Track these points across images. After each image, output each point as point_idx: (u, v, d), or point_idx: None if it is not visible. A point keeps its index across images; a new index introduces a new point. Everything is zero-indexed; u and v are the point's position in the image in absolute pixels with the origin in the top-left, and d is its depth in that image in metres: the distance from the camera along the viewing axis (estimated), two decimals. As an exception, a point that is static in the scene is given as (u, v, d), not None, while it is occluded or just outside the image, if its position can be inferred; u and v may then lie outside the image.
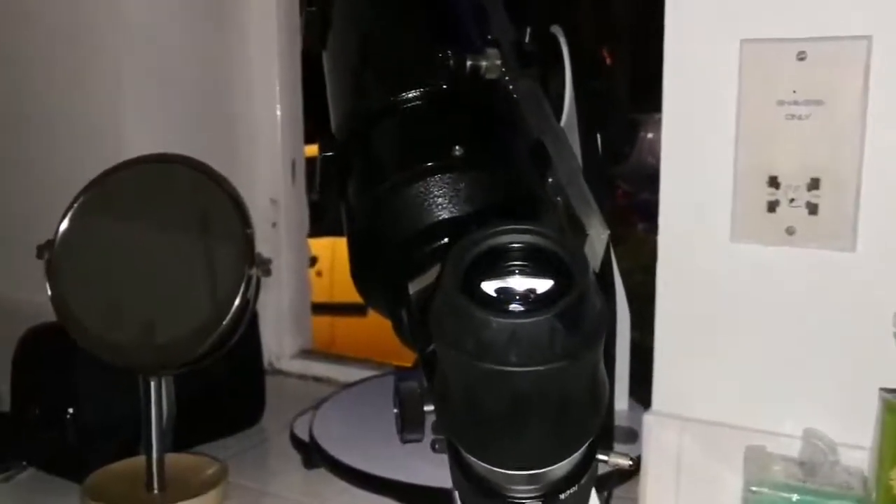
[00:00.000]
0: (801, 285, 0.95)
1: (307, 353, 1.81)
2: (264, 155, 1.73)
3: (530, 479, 0.64)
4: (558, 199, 1.05)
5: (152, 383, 1.18)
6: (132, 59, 1.52)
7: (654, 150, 1.35)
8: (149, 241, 1.20)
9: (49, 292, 1.17)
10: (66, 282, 1.18)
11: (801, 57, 0.92)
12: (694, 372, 1.02)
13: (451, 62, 1.02)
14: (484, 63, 1.03)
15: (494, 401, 0.58)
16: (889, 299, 0.90)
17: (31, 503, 1.25)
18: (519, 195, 1.00)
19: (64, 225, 1.19)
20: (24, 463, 1.31)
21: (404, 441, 0.95)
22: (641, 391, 1.24)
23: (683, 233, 1.01)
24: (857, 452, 0.92)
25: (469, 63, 1.02)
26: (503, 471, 0.62)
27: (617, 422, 1.24)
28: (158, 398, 1.18)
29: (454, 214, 0.95)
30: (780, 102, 0.93)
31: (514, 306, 0.57)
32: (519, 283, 0.59)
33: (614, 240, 1.12)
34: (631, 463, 0.76)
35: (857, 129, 0.90)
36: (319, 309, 2.61)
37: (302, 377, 1.75)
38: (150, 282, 1.19)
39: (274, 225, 1.75)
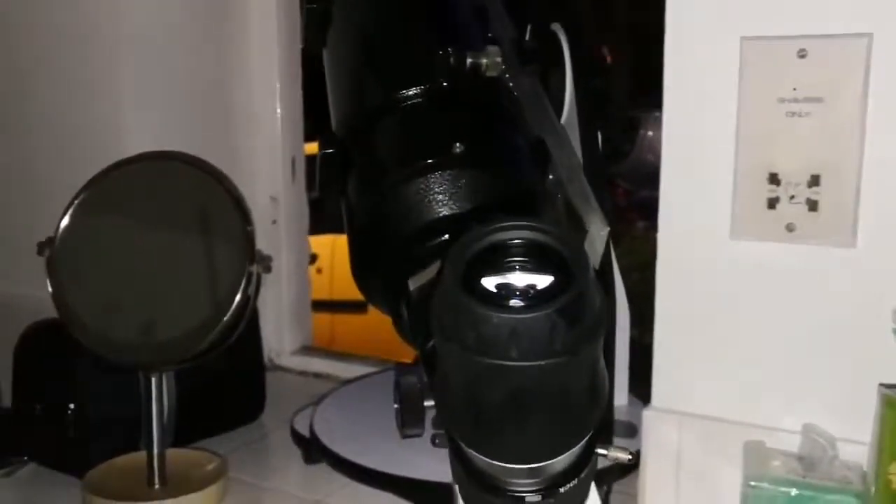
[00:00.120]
0: (801, 281, 0.95)
1: (307, 350, 1.82)
2: (264, 152, 1.73)
3: (530, 473, 0.64)
4: (558, 196, 1.06)
5: (153, 379, 1.18)
6: (133, 57, 1.53)
7: (654, 147, 1.35)
8: (149, 237, 1.20)
9: (50, 289, 1.18)
10: (66, 278, 1.18)
11: (802, 54, 0.92)
12: (693, 367, 1.03)
13: (452, 60, 1.02)
14: (484, 61, 1.03)
15: (495, 396, 0.58)
16: (889, 295, 0.90)
17: (32, 498, 1.26)
18: (519, 192, 1.00)
19: (64, 222, 1.20)
20: (26, 458, 1.32)
21: (404, 436, 0.95)
22: (640, 387, 1.25)
23: (683, 229, 1.01)
24: (856, 447, 0.93)
25: (469, 61, 1.03)
26: (503, 465, 0.63)
27: (616, 417, 1.24)
28: (159, 394, 1.19)
29: (454, 211, 0.95)
30: (781, 100, 0.93)
31: (514, 302, 0.58)
32: (519, 278, 0.59)
33: (614, 238, 1.12)
34: (630, 457, 0.76)
35: (858, 127, 0.90)
36: (319, 306, 2.61)
37: (302, 373, 1.75)
38: (150, 278, 1.20)
39: (274, 222, 1.75)
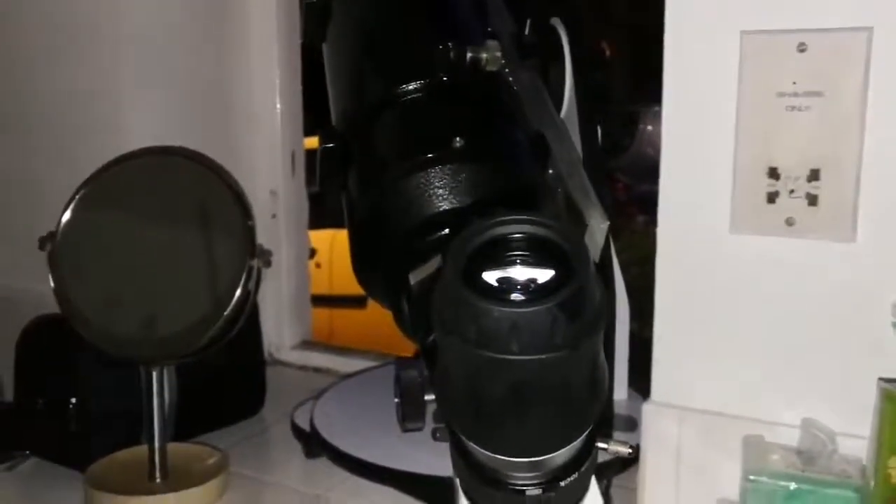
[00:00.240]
0: (801, 276, 0.95)
1: (307, 344, 1.82)
2: (264, 147, 1.73)
3: (531, 467, 0.64)
4: (558, 190, 1.06)
5: (154, 374, 1.19)
6: (133, 53, 1.53)
7: (654, 142, 1.35)
8: (150, 232, 1.21)
9: (51, 284, 1.18)
10: (67, 273, 1.19)
11: (802, 48, 0.92)
12: (693, 362, 1.03)
13: (452, 54, 1.02)
14: (484, 55, 1.03)
15: (496, 389, 0.58)
16: (888, 289, 0.90)
17: (34, 492, 1.26)
18: (519, 186, 1.00)
19: (66, 217, 1.20)
20: (28, 452, 1.32)
21: (405, 430, 0.95)
22: (639, 381, 1.25)
23: (683, 224, 1.01)
24: (855, 441, 0.93)
25: (469, 55, 1.03)
26: (504, 458, 0.63)
27: (616, 411, 1.24)
28: (160, 388, 1.19)
29: (455, 205, 0.95)
30: (781, 94, 0.93)
31: (515, 296, 0.58)
32: (520, 272, 0.59)
33: (613, 232, 1.12)
34: (630, 450, 0.76)
35: (857, 121, 0.90)
36: (318, 301, 2.62)
37: (302, 368, 1.76)
38: (151, 273, 1.20)
39: (274, 216, 1.75)
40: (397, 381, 0.95)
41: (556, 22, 1.22)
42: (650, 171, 1.08)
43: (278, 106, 1.72)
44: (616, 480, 1.12)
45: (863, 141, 0.91)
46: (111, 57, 1.53)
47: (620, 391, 1.29)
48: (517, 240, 0.60)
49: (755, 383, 0.99)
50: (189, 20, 1.59)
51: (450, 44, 1.02)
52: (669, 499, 1.04)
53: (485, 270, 0.59)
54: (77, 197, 1.20)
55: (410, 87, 1.03)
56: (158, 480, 1.19)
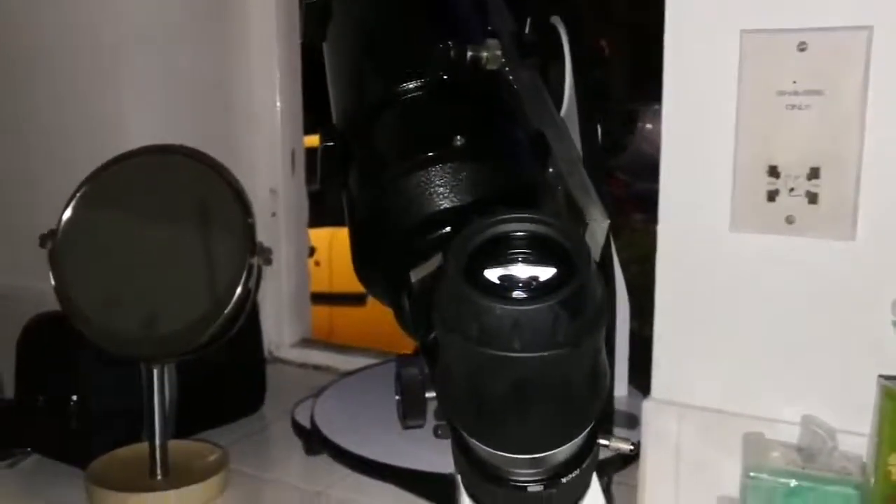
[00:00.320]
0: (801, 274, 0.96)
1: (307, 342, 1.82)
2: (264, 145, 1.74)
3: (533, 463, 0.64)
4: (559, 188, 1.06)
5: (155, 371, 1.19)
6: (134, 51, 1.53)
7: (653, 140, 1.35)
8: (151, 230, 1.21)
9: (52, 282, 1.18)
10: (68, 271, 1.19)
11: (802, 47, 0.92)
12: (693, 359, 1.03)
13: (452, 53, 1.02)
14: (484, 54, 1.04)
15: (497, 387, 0.59)
16: (888, 287, 0.91)
17: (35, 489, 1.26)
18: (520, 185, 1.01)
19: (67, 214, 1.20)
20: (29, 449, 1.32)
21: (406, 427, 0.96)
22: (639, 378, 1.25)
23: (683, 222, 1.01)
24: (855, 439, 0.93)
25: (470, 54, 1.03)
26: (506, 455, 0.63)
27: (616, 408, 1.24)
28: (161, 385, 1.19)
29: (455, 204, 0.96)
30: (781, 93, 0.93)
31: (517, 293, 0.58)
32: (522, 270, 0.59)
33: (613, 230, 1.12)
34: (632, 447, 0.77)
35: (857, 120, 0.90)
36: (318, 299, 2.62)
37: (302, 365, 1.76)
38: (152, 271, 1.20)
39: (274, 214, 1.75)
40: (398, 378, 0.95)
41: (556, 20, 1.22)
42: (649, 169, 1.08)
43: (278, 104, 1.72)
44: (616, 477, 1.13)
45: (863, 140, 0.91)
46: (111, 56, 1.53)
47: (620, 388, 1.30)
48: (519, 238, 0.60)
49: (755, 380, 0.99)
50: (189, 19, 1.60)
51: (450, 42, 1.02)
52: (669, 496, 1.04)
53: (487, 268, 0.59)
54: (78, 195, 1.21)
55: (411, 86, 1.03)
56: (159, 477, 1.20)
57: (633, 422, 1.18)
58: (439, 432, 0.85)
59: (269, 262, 1.21)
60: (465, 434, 0.64)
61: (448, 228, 0.94)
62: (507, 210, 0.61)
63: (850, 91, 0.91)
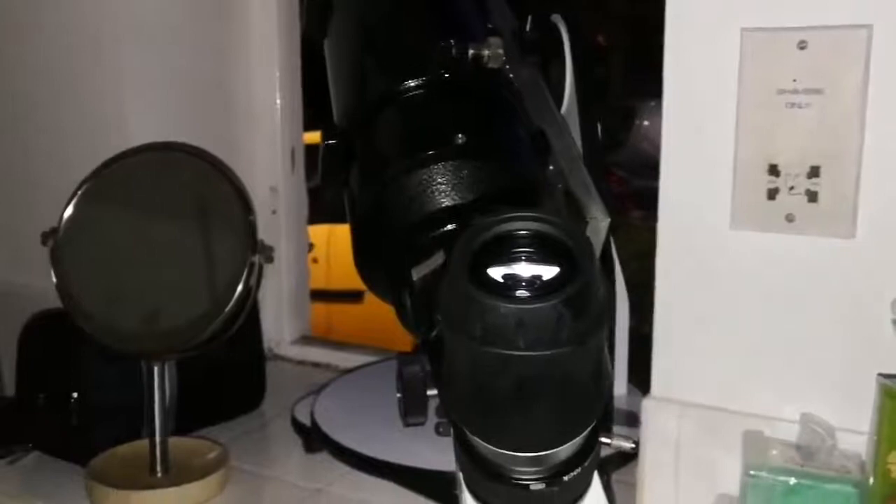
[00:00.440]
0: (801, 272, 0.96)
1: (306, 339, 1.82)
2: (264, 142, 1.74)
3: (536, 462, 0.65)
4: (559, 186, 1.07)
5: (155, 368, 1.19)
6: (134, 48, 1.53)
7: (650, 136, 1.36)
8: (152, 228, 1.21)
9: (53, 279, 1.18)
10: (70, 268, 1.19)
11: (802, 46, 0.92)
12: (693, 357, 1.03)
13: (454, 51, 1.02)
14: (486, 52, 1.04)
15: (501, 385, 0.59)
16: (888, 286, 0.91)
17: (36, 486, 1.26)
18: (520, 183, 1.01)
19: (68, 212, 1.20)
20: (30, 446, 1.32)
21: (407, 424, 0.96)
22: (637, 376, 1.25)
23: (683, 220, 1.02)
24: (854, 437, 0.93)
25: (471, 52, 1.03)
26: (509, 453, 0.63)
27: (616, 406, 1.25)
28: (161, 383, 1.19)
29: (456, 202, 0.96)
30: (781, 91, 0.93)
31: (520, 292, 0.58)
32: (525, 269, 0.60)
33: (611, 227, 1.13)
34: (634, 445, 0.77)
35: (857, 118, 0.90)
36: (316, 296, 2.62)
37: (301, 363, 1.76)
38: (153, 269, 1.20)
39: (274, 212, 1.75)
40: (399, 376, 0.95)
41: (556, 18, 1.22)
42: (647, 165, 1.08)
43: (278, 102, 1.72)
44: (616, 475, 1.13)
45: (863, 138, 0.91)
46: (114, 48, 1.53)
47: (620, 386, 1.30)
48: (523, 236, 0.60)
49: (755, 378, 1.00)
50: (189, 17, 1.59)
51: (451, 41, 1.02)
52: (669, 494, 1.04)
53: (490, 267, 0.59)
54: (79, 193, 1.21)
55: (412, 84, 1.04)
56: (159, 474, 1.20)
57: (632, 420, 1.19)
58: (441, 430, 0.85)
59: (270, 259, 1.21)
60: (467, 432, 0.65)
61: (449, 226, 0.94)
62: (511, 209, 0.61)
63: (850, 89, 0.91)
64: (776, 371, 0.98)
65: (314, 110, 1.75)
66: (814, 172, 0.93)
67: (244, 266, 1.18)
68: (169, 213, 1.21)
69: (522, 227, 0.61)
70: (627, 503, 1.07)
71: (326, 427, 1.26)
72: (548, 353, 0.56)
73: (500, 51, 1.04)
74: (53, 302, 1.21)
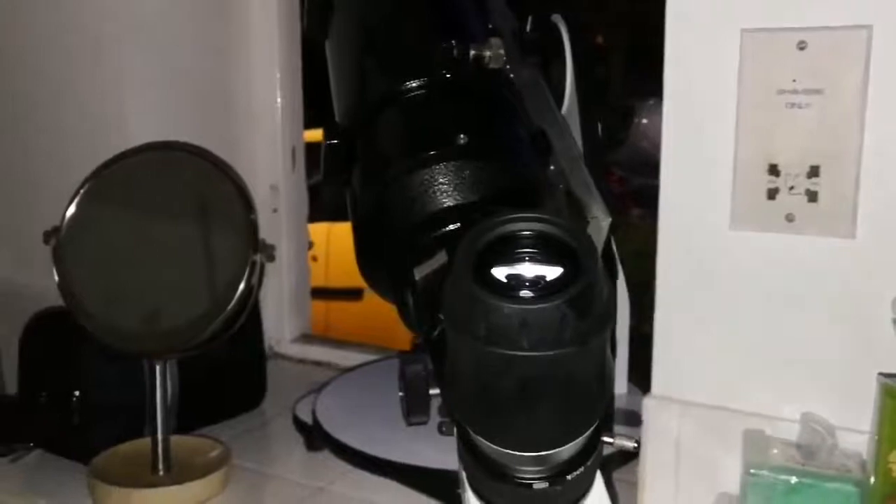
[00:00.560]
0: (801, 271, 0.96)
1: (307, 338, 1.82)
2: (265, 141, 1.74)
3: (539, 461, 0.65)
4: (560, 185, 1.07)
5: (157, 367, 1.19)
6: (135, 48, 1.53)
7: (649, 135, 1.36)
8: (154, 227, 1.21)
9: (55, 278, 1.19)
10: (72, 267, 1.19)
11: (802, 46, 0.92)
12: (693, 356, 1.03)
13: (455, 52, 1.03)
14: (487, 52, 1.04)
15: (505, 385, 0.59)
16: (888, 285, 0.91)
17: (38, 484, 1.26)
18: (522, 183, 1.01)
19: (70, 211, 1.20)
20: (32, 444, 1.32)
21: (409, 423, 0.96)
22: (637, 376, 1.26)
23: (683, 220, 1.02)
24: (855, 436, 0.93)
25: (472, 52, 1.03)
26: (512, 452, 0.64)
27: (617, 405, 1.25)
28: (163, 381, 1.20)
29: (458, 202, 0.96)
30: (781, 91, 0.94)
31: (524, 293, 0.59)
32: (529, 269, 0.60)
33: (611, 226, 1.13)
34: (636, 445, 0.77)
35: (857, 118, 0.91)
36: (315, 293, 2.62)
37: (301, 361, 1.76)
38: (155, 267, 1.21)
39: (275, 211, 1.76)
40: (402, 375, 0.96)
41: (556, 18, 1.23)
42: (646, 164, 1.08)
43: (279, 101, 1.72)
44: (616, 474, 1.13)
45: (862, 138, 0.91)
46: (115, 48, 1.53)
47: (620, 385, 1.30)
48: (526, 237, 0.61)
49: (756, 378, 1.00)
50: (189, 17, 1.60)
51: (452, 41, 1.03)
52: (670, 493, 1.05)
53: (494, 267, 0.60)
54: (81, 192, 1.21)
55: (413, 85, 1.04)
56: (161, 473, 1.20)
57: (633, 419, 1.19)
58: (443, 429, 0.85)
59: (271, 258, 1.21)
60: (471, 431, 0.65)
61: (451, 226, 0.95)
62: (514, 209, 0.62)
63: (850, 90, 0.91)
64: (777, 370, 0.99)
65: (314, 111, 1.76)
66: (814, 172, 0.93)
67: (246, 265, 1.18)
68: (170, 213, 1.21)
69: (526, 228, 0.61)
70: (628, 502, 1.07)
71: (328, 425, 1.26)
72: (551, 353, 0.56)
73: (501, 51, 1.05)
74: (55, 301, 1.21)
